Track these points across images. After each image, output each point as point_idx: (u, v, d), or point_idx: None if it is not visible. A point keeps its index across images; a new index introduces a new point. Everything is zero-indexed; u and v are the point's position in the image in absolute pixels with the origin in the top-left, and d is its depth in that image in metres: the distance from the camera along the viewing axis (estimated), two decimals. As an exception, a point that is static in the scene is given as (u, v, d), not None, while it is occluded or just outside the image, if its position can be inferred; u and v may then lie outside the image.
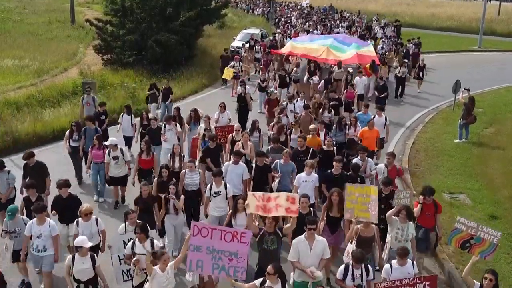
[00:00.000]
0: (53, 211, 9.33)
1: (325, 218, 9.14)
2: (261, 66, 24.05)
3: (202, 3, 27.77)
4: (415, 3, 66.90)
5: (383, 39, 31.86)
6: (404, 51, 28.36)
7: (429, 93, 23.27)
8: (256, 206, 8.05)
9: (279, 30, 35.57)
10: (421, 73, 23.85)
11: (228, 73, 21.67)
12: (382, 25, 40.08)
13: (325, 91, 17.68)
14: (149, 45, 24.76)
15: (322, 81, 19.63)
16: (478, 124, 17.60)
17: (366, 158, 11.20)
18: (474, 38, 43.66)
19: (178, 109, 14.71)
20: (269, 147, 11.92)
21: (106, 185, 12.43)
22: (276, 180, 10.70)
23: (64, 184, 9.39)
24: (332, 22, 40.29)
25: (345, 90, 18.16)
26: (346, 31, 34.91)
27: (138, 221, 8.39)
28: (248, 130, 13.17)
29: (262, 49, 27.31)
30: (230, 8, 55.78)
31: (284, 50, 24.41)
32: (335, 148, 12.47)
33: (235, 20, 48.26)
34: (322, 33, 32.21)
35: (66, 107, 18.15)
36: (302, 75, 21.50)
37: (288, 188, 10.32)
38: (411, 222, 8.63)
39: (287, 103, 15.71)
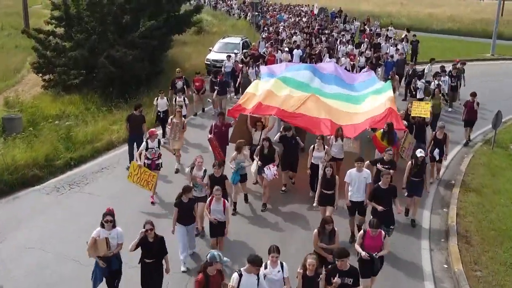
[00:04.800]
0: None
1: None
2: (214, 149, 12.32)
3: (169, 9, 22.68)
4: (408, 3, 62.21)
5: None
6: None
7: (452, 123, 18.08)
8: None
9: (236, 51, 23.70)
10: (435, 150, 12.78)
11: (141, 177, 11.34)
12: (393, 42, 28.12)
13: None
14: (100, 63, 19.59)
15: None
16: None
17: None
18: (481, 42, 39.19)
19: None
20: None
21: None
22: None
23: None
24: (334, 34, 29.60)
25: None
26: (351, 49, 25.42)
27: None
28: None
29: (184, 97, 15.79)
30: (209, 11, 50.82)
31: (244, 107, 13.62)
32: None
33: (215, 23, 42.99)
34: (308, 57, 23.75)
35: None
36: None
37: None
38: None
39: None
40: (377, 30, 34.68)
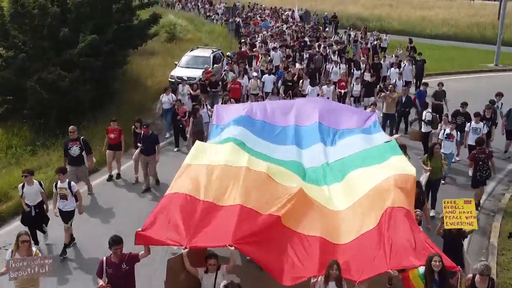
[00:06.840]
0: None
1: None
2: None
3: (120, 19, 18.80)
4: (398, 4, 58.71)
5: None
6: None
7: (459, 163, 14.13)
8: None
9: (187, 77, 18.91)
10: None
11: None
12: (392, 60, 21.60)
13: None
14: (29, 88, 15.74)
15: None
16: None
17: None
18: (481, 49, 35.88)
19: None
20: None
21: None
22: None
23: None
24: (322, 49, 22.62)
25: None
26: (344, 71, 19.48)
27: None
28: None
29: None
30: (189, 15, 46.54)
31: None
32: None
33: (190, 29, 38.85)
34: (283, 84, 17.76)
35: None
36: None
37: None
38: None
39: None
40: (374, 43, 28.17)
